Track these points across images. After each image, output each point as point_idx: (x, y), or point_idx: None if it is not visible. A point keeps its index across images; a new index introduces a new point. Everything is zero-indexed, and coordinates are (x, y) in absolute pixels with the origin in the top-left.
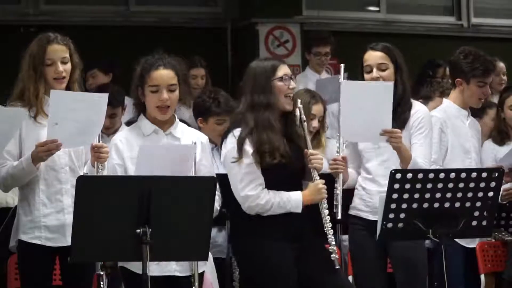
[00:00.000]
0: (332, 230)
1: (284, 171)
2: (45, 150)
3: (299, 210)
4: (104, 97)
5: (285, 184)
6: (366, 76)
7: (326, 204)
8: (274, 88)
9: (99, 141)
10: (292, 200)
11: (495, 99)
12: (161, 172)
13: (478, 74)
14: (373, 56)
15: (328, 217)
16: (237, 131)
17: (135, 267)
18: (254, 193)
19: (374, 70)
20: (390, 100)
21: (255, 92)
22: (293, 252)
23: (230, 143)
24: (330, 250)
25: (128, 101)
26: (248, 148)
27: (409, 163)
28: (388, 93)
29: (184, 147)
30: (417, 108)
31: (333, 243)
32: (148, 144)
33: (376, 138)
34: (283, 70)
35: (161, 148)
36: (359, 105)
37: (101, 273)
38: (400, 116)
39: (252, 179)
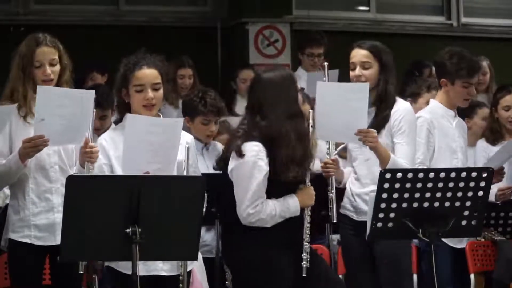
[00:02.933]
0: (309, 238)
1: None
2: (32, 146)
3: (298, 214)
4: (90, 93)
5: (290, 190)
6: (350, 73)
7: (309, 211)
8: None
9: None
10: (291, 206)
11: (479, 98)
12: (148, 153)
13: (463, 75)
14: (358, 54)
15: (309, 224)
16: (255, 145)
17: (122, 267)
18: (254, 211)
19: (357, 68)
20: (365, 101)
21: (289, 102)
22: (290, 257)
23: (248, 156)
24: (303, 257)
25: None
26: (265, 164)
27: (387, 163)
28: (363, 93)
29: (170, 122)
30: (398, 106)
31: (308, 251)
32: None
33: (352, 138)
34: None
35: (148, 120)
36: (334, 105)
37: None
38: (380, 115)
39: (258, 197)
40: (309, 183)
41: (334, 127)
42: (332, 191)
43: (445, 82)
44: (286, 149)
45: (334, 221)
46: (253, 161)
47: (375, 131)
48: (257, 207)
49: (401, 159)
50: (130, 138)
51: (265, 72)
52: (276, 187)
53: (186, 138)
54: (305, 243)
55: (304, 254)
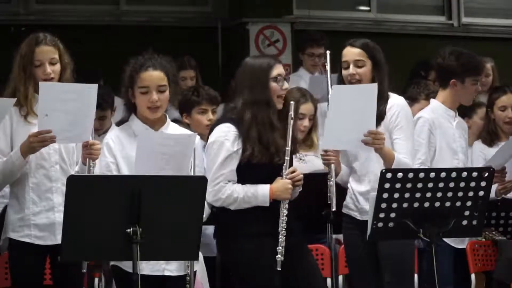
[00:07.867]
0: (285, 232)
1: (275, 168)
2: (39, 141)
3: (267, 204)
4: (93, 87)
5: (268, 179)
6: (343, 72)
7: (287, 205)
8: (270, 87)
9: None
10: (259, 195)
11: (481, 99)
12: (161, 161)
13: (473, 73)
14: (350, 52)
15: (286, 218)
16: (226, 126)
17: (127, 265)
18: (213, 190)
19: (351, 66)
20: (374, 102)
21: (254, 88)
22: (273, 247)
23: (216, 136)
24: (278, 250)
25: (118, 101)
26: (231, 144)
27: (392, 163)
28: (372, 95)
29: (183, 137)
30: (393, 102)
31: (283, 245)
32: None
33: (358, 144)
34: (278, 70)
35: (160, 136)
36: (345, 109)
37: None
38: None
39: (220, 176)
40: (285, 175)
41: (342, 133)
42: (332, 179)
43: (454, 82)
44: (247, 131)
45: (334, 209)
46: (220, 141)
47: (383, 133)
48: (217, 186)
49: (402, 155)
50: (141, 153)
51: (249, 58)
52: (250, 173)
53: None
54: (280, 237)
55: (279, 247)
